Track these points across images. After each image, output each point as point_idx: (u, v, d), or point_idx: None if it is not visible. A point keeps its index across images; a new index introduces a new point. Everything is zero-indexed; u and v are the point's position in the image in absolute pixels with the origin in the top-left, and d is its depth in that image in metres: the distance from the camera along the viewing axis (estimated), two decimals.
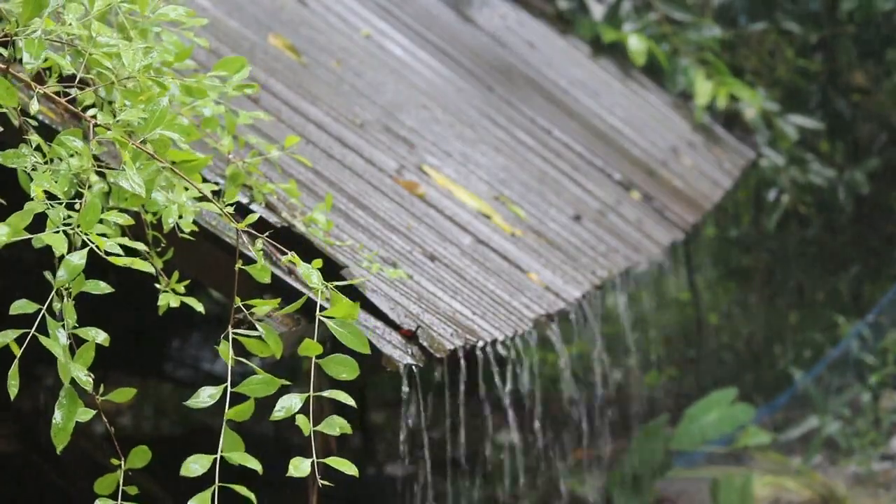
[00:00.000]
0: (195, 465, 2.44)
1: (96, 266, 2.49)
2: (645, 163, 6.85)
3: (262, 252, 2.62)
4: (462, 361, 3.60)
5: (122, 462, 2.57)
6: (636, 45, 7.85)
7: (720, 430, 7.40)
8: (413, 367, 3.27)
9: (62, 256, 2.37)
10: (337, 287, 2.61)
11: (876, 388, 8.03)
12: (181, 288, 2.86)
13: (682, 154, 7.34)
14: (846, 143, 9.07)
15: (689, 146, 7.55)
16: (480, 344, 3.65)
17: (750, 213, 9.46)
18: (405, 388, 3.38)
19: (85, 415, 2.45)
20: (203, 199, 2.73)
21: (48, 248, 2.43)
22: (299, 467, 2.45)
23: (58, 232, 2.39)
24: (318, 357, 2.54)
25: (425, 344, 3.35)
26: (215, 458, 2.46)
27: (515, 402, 4.22)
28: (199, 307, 2.82)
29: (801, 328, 9.30)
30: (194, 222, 2.77)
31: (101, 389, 2.56)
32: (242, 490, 2.45)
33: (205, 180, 2.73)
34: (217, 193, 2.73)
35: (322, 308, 2.58)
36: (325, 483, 2.52)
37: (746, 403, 7.73)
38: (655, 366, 8.84)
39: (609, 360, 7.73)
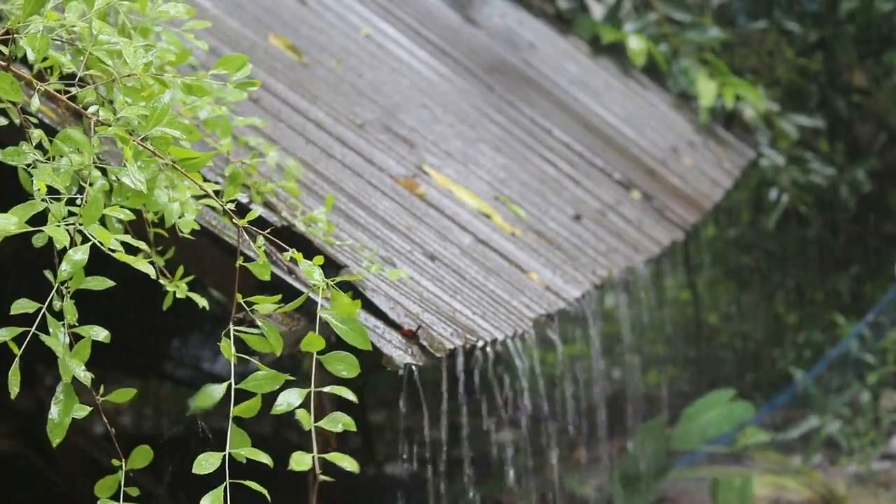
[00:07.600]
0: (207, 463, 2.44)
1: (97, 269, 2.48)
2: (645, 162, 6.85)
3: (262, 248, 2.62)
4: (462, 361, 3.60)
5: (123, 462, 2.55)
6: (636, 45, 7.85)
7: (720, 429, 7.39)
8: (413, 366, 3.27)
9: (64, 250, 2.36)
10: (338, 286, 2.61)
11: (876, 388, 8.02)
12: (184, 285, 2.86)
13: (683, 154, 7.33)
14: (846, 143, 9.07)
15: (690, 146, 7.55)
16: (480, 343, 3.65)
17: (749, 213, 9.46)
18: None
19: (81, 411, 2.43)
20: (204, 196, 2.73)
21: (45, 251, 2.43)
22: (300, 461, 2.44)
23: (59, 226, 2.39)
24: (318, 353, 2.53)
25: (425, 343, 3.35)
26: (225, 455, 2.46)
27: (515, 401, 4.22)
28: (203, 302, 2.83)
29: (801, 328, 9.30)
30: (195, 221, 2.77)
31: (101, 390, 2.55)
32: (255, 486, 2.44)
33: (205, 180, 2.73)
34: (217, 193, 2.73)
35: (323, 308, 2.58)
36: (326, 478, 2.51)
37: (746, 401, 7.72)
38: (655, 366, 8.84)
39: (609, 360, 7.73)
